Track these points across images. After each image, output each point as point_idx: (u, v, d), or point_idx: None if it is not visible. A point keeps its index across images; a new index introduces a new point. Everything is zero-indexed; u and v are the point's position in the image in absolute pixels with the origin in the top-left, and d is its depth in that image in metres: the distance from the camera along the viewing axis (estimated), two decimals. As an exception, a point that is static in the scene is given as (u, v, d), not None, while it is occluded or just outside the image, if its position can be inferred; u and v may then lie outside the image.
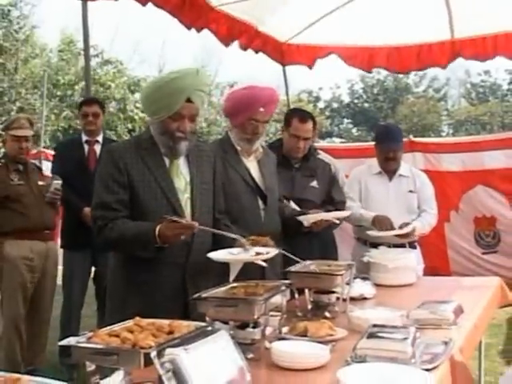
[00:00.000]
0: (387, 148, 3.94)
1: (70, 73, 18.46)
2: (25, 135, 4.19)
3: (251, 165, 3.13)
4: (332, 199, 3.69)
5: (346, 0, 5.29)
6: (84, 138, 4.59)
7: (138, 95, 21.15)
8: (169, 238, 2.27)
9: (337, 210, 3.56)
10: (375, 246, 3.73)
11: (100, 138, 4.63)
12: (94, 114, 4.54)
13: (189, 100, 2.40)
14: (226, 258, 2.37)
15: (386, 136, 4.01)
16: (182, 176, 2.52)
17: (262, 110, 3.01)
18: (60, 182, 4.21)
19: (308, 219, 3.20)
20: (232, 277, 2.39)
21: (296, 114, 3.67)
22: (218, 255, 2.37)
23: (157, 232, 2.26)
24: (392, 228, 3.72)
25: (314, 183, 3.66)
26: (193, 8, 4.52)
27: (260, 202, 3.07)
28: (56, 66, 18.77)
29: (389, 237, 3.72)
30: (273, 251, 2.42)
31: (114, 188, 2.40)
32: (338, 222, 3.31)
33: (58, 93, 18.38)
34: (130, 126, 19.41)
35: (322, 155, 4.56)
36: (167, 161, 2.50)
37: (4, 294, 4.19)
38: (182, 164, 2.54)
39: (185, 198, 2.48)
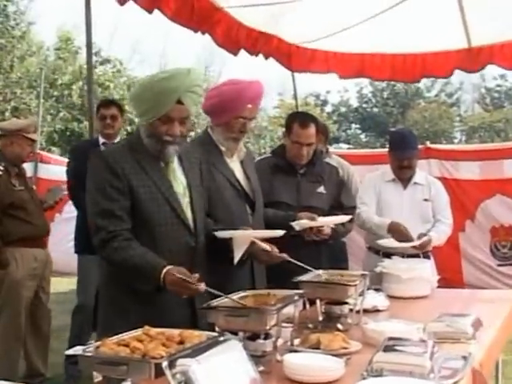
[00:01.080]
0: (402, 156, 3.93)
1: (67, 72, 18.50)
2: (36, 139, 4.28)
3: (234, 166, 3.04)
4: (341, 205, 3.62)
5: (370, 15, 5.29)
6: (101, 140, 4.64)
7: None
8: (172, 290, 2.20)
9: (345, 215, 3.47)
10: (388, 255, 3.73)
11: (117, 141, 4.68)
12: (112, 117, 4.61)
13: (179, 102, 2.36)
14: (231, 233, 2.47)
15: (400, 143, 3.98)
16: (179, 180, 2.52)
17: (249, 106, 2.93)
18: (65, 192, 4.27)
19: (301, 224, 3.11)
20: (236, 258, 2.46)
21: (296, 119, 3.55)
22: (223, 233, 2.47)
23: (162, 274, 2.18)
24: (409, 237, 3.69)
25: (321, 189, 3.57)
26: (200, 12, 4.52)
27: (247, 207, 3.00)
28: (53, 64, 18.81)
29: (404, 247, 3.72)
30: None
31: (113, 195, 2.35)
32: (332, 226, 3.25)
33: (55, 93, 18.41)
34: (129, 128, 19.42)
35: (334, 158, 4.55)
36: (162, 164, 2.48)
37: (6, 305, 4.18)
38: (176, 167, 2.54)
39: (185, 203, 2.48)
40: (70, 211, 6.12)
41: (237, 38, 5.05)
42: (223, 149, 3.00)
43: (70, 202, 4.75)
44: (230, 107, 2.90)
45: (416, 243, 3.70)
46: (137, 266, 2.26)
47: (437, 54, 5.68)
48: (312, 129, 3.49)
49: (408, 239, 3.69)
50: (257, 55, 5.39)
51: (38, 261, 4.23)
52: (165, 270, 2.18)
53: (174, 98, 2.35)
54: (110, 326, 2.22)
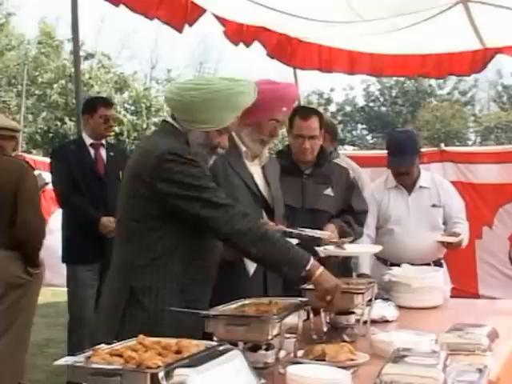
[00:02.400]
0: (398, 163, 3.96)
1: (49, 69, 18.51)
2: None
3: (255, 170, 3.06)
4: (351, 209, 3.59)
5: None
6: (88, 140, 4.68)
7: (126, 94, 21.26)
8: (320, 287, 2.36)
9: (357, 221, 3.54)
10: (396, 265, 3.76)
11: (103, 141, 4.77)
12: (113, 119, 4.68)
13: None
14: None
15: (396, 150, 3.97)
16: None
17: (284, 109, 3.01)
18: (45, 180, 4.25)
19: (327, 252, 3.00)
20: (251, 271, 2.56)
21: (297, 112, 3.56)
22: None
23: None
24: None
25: (329, 191, 3.55)
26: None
27: (263, 213, 3.00)
28: (34, 60, 18.83)
29: (426, 245, 3.83)
30: None
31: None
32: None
33: (37, 91, 18.44)
34: (117, 129, 19.42)
35: (342, 159, 4.56)
36: None
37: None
38: None
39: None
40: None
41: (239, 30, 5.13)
42: (244, 149, 3.02)
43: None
44: (267, 107, 2.91)
45: (449, 239, 3.77)
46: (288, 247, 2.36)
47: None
48: (314, 121, 3.49)
49: None
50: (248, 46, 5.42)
51: None
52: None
53: (239, 112, 2.46)
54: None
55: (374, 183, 4.34)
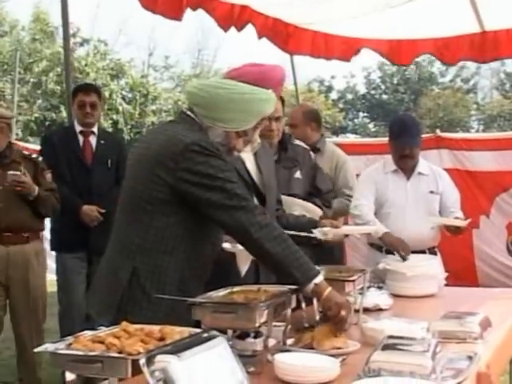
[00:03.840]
0: (402, 144, 3.97)
1: (43, 56, 18.43)
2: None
3: (247, 157, 3.05)
4: (318, 190, 3.66)
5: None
6: (78, 128, 4.67)
7: (123, 82, 21.21)
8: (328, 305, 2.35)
9: (324, 201, 3.58)
10: (391, 252, 3.77)
11: (95, 129, 4.72)
12: (92, 105, 4.62)
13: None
14: (235, 248, 2.52)
15: (400, 131, 4.00)
16: None
17: (271, 91, 3.00)
18: (17, 172, 4.19)
19: (324, 232, 3.01)
20: (242, 272, 2.55)
21: None
22: (228, 246, 2.53)
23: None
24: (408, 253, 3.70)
25: (298, 174, 3.61)
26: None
27: (255, 200, 2.97)
28: (28, 46, 18.73)
29: (421, 232, 3.88)
30: None
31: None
32: (359, 236, 3.26)
33: (31, 79, 18.37)
34: (115, 117, 19.39)
35: (329, 146, 4.59)
36: None
37: None
38: None
39: None
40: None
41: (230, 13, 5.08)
42: None
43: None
44: None
45: (463, 223, 3.80)
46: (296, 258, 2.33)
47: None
48: (278, 102, 3.39)
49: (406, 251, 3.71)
50: (240, 30, 5.38)
51: None
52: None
53: (260, 119, 2.50)
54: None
55: (371, 167, 4.35)
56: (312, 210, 3.38)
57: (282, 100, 3.56)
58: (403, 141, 3.96)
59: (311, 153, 3.82)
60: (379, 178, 4.09)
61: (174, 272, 2.39)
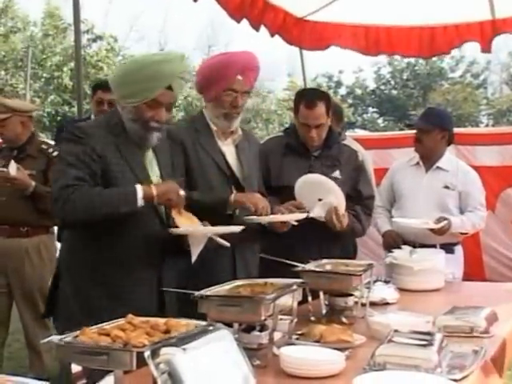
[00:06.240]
0: (415, 127, 4.10)
1: (56, 51, 18.46)
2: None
3: (227, 149, 3.06)
4: (359, 193, 3.52)
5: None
6: None
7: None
8: (162, 198, 2.43)
9: (365, 208, 3.50)
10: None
11: None
12: (110, 103, 4.61)
13: (169, 87, 2.46)
14: (185, 231, 2.49)
15: (421, 115, 4.17)
16: (154, 169, 2.59)
17: (239, 77, 2.95)
18: (4, 169, 4.17)
19: (261, 220, 2.94)
20: (194, 256, 2.51)
21: (303, 99, 3.46)
22: (177, 230, 2.48)
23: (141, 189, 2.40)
24: (397, 247, 3.77)
25: (337, 173, 3.47)
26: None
27: (234, 193, 2.99)
28: (41, 42, 18.76)
29: (419, 229, 3.83)
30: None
31: (84, 163, 2.41)
32: (295, 223, 3.05)
33: (44, 74, 18.39)
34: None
35: (349, 141, 4.53)
36: (141, 151, 2.56)
37: None
38: (152, 156, 2.61)
39: None
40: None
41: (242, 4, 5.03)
42: (214, 128, 3.03)
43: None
44: (219, 78, 2.94)
45: (434, 225, 3.78)
46: (109, 197, 2.38)
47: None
48: (320, 108, 3.39)
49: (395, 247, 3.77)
50: (257, 29, 5.34)
51: None
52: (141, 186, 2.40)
53: (166, 82, 2.44)
54: (73, 322, 2.11)
55: (400, 160, 4.42)
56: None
57: (327, 103, 3.44)
58: (416, 123, 4.12)
59: (359, 154, 3.69)
60: (400, 171, 4.20)
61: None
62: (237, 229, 2.57)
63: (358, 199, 3.51)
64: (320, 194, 3.26)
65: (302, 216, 3.08)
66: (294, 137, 3.51)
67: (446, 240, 3.95)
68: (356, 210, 3.45)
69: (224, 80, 2.93)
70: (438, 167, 4.07)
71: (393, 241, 3.96)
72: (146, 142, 2.53)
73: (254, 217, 2.89)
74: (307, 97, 3.48)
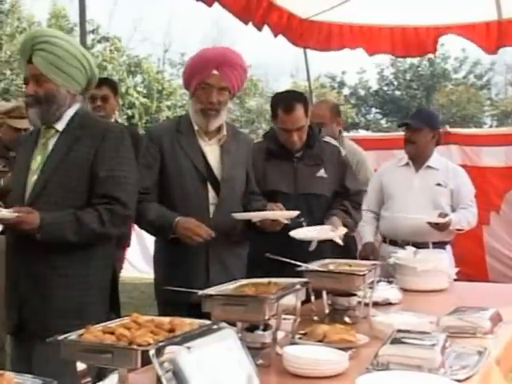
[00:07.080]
0: (405, 126, 4.07)
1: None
2: (25, 128, 4.25)
3: (210, 149, 3.03)
4: (346, 189, 3.48)
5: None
6: None
7: (139, 77, 21.27)
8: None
9: (354, 204, 3.47)
10: (395, 243, 3.90)
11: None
12: (103, 98, 4.59)
13: (30, 61, 2.61)
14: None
15: (411, 115, 4.16)
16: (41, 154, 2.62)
17: (215, 72, 2.93)
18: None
19: (252, 217, 2.95)
20: None
21: (280, 103, 3.35)
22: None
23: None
24: (375, 258, 3.82)
25: (322, 172, 3.43)
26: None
27: (211, 195, 2.99)
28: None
29: (416, 226, 3.85)
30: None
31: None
32: (286, 222, 3.00)
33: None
34: (129, 112, 19.46)
35: (346, 142, 4.54)
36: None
37: None
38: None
39: (33, 180, 2.55)
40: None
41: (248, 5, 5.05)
42: (196, 128, 3.02)
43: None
44: (195, 72, 2.97)
45: (441, 219, 3.79)
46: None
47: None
48: (299, 111, 3.30)
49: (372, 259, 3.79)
50: (260, 29, 5.35)
51: None
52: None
53: (24, 58, 2.67)
54: None
55: (386, 163, 4.44)
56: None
57: (305, 104, 3.36)
58: (408, 122, 4.08)
59: (342, 150, 3.62)
60: (388, 172, 4.19)
61: None
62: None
63: (346, 195, 3.49)
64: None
65: (294, 214, 3.01)
66: (274, 141, 3.46)
67: (440, 238, 3.97)
68: (345, 204, 3.42)
69: (199, 74, 2.95)
70: (428, 166, 4.09)
71: (370, 253, 4.00)
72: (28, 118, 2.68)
73: (244, 213, 2.94)
74: (285, 100, 3.36)
